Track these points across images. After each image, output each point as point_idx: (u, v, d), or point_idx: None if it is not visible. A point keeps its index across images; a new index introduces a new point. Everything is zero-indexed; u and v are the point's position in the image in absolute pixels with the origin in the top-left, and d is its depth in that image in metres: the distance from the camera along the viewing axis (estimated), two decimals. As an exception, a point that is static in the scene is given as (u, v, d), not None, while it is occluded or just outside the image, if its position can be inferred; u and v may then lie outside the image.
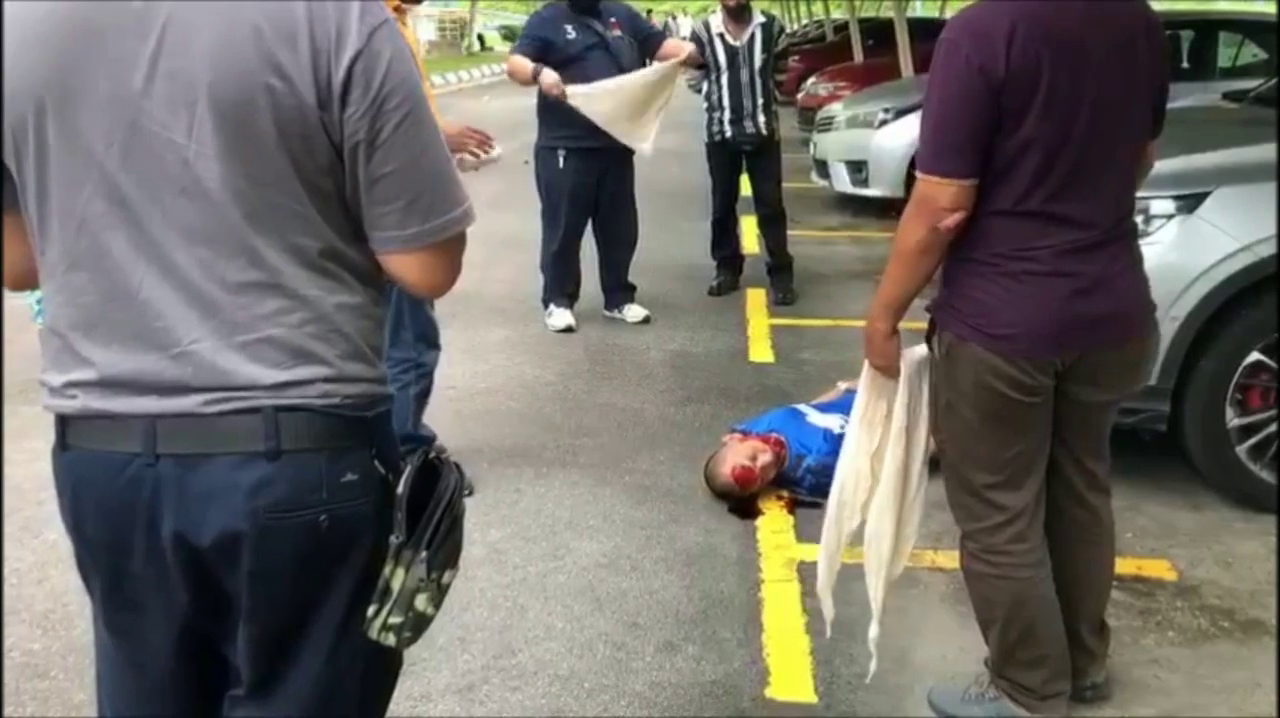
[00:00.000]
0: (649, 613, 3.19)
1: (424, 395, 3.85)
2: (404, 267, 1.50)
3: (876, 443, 2.57)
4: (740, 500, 3.84)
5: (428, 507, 1.52)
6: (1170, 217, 3.76)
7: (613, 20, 5.80)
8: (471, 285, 6.60)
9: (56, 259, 1.45)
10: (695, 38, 6.40)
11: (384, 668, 1.66)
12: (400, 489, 1.50)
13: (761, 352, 5.65)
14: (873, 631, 2.68)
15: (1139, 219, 3.84)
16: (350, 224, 1.47)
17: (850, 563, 3.46)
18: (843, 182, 9.20)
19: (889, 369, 2.51)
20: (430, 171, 1.46)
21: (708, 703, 2.77)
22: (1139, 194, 3.85)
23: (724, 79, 6.25)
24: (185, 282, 1.40)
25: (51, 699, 2.78)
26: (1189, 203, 3.71)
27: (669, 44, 6.00)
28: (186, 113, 1.36)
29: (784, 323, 6.13)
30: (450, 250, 1.52)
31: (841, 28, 20.06)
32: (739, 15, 6.26)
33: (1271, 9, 13.59)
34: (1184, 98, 5.86)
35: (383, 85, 1.38)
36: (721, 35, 6.26)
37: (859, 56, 15.44)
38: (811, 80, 14.44)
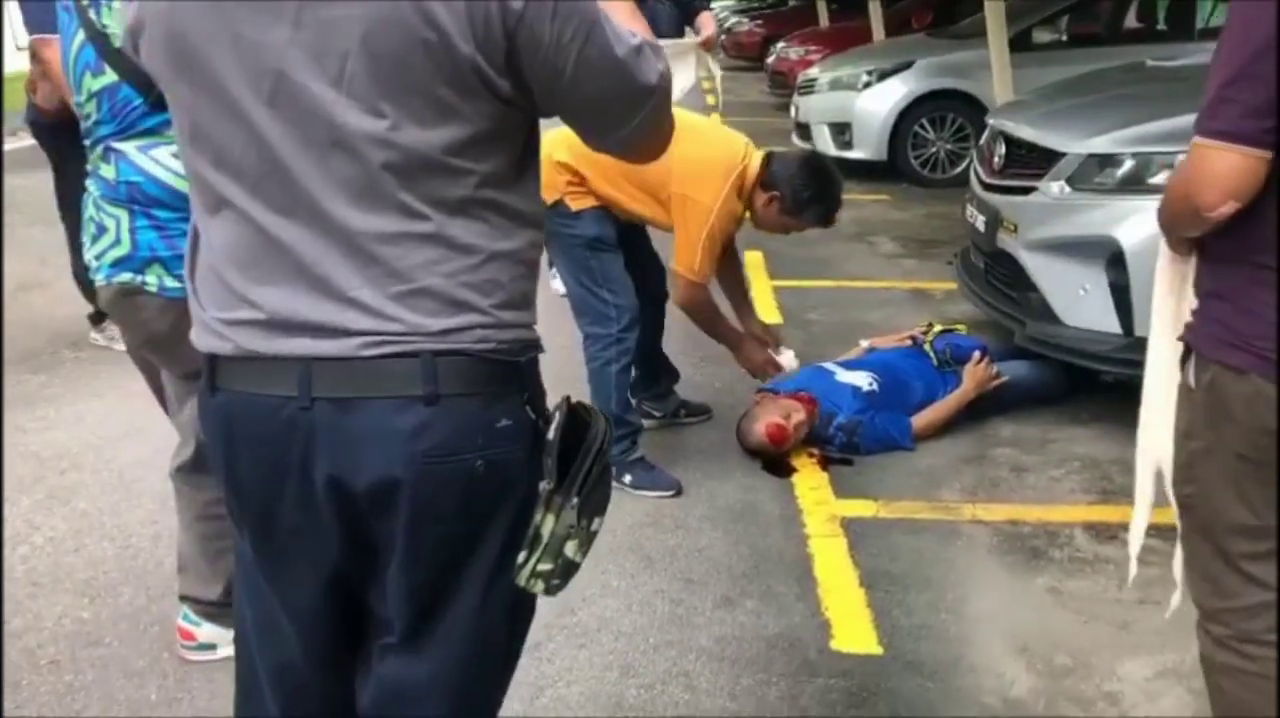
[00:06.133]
0: (701, 569, 3.20)
1: (626, 373, 3.68)
2: (628, 156, 1.57)
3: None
4: (773, 458, 3.86)
5: (576, 454, 1.50)
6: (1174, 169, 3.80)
7: None
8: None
9: (212, 200, 1.42)
10: None
11: (527, 615, 1.65)
12: (551, 435, 1.49)
13: (768, 313, 5.65)
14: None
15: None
16: (509, 169, 1.44)
17: (891, 518, 3.53)
18: (826, 144, 9.19)
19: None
20: (619, 76, 1.41)
21: (775, 656, 2.78)
22: (1145, 149, 3.95)
23: None
24: (341, 233, 1.36)
25: (111, 666, 2.73)
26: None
27: (703, 16, 5.71)
28: (337, 63, 1.31)
29: (786, 284, 6.14)
30: (657, 122, 1.50)
31: (805, -9, 20.04)
32: None
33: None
34: (1180, 58, 5.93)
35: (552, 24, 1.34)
36: None
37: (824, 20, 15.43)
38: (781, 44, 14.46)
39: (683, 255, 3.57)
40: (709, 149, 3.54)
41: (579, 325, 3.74)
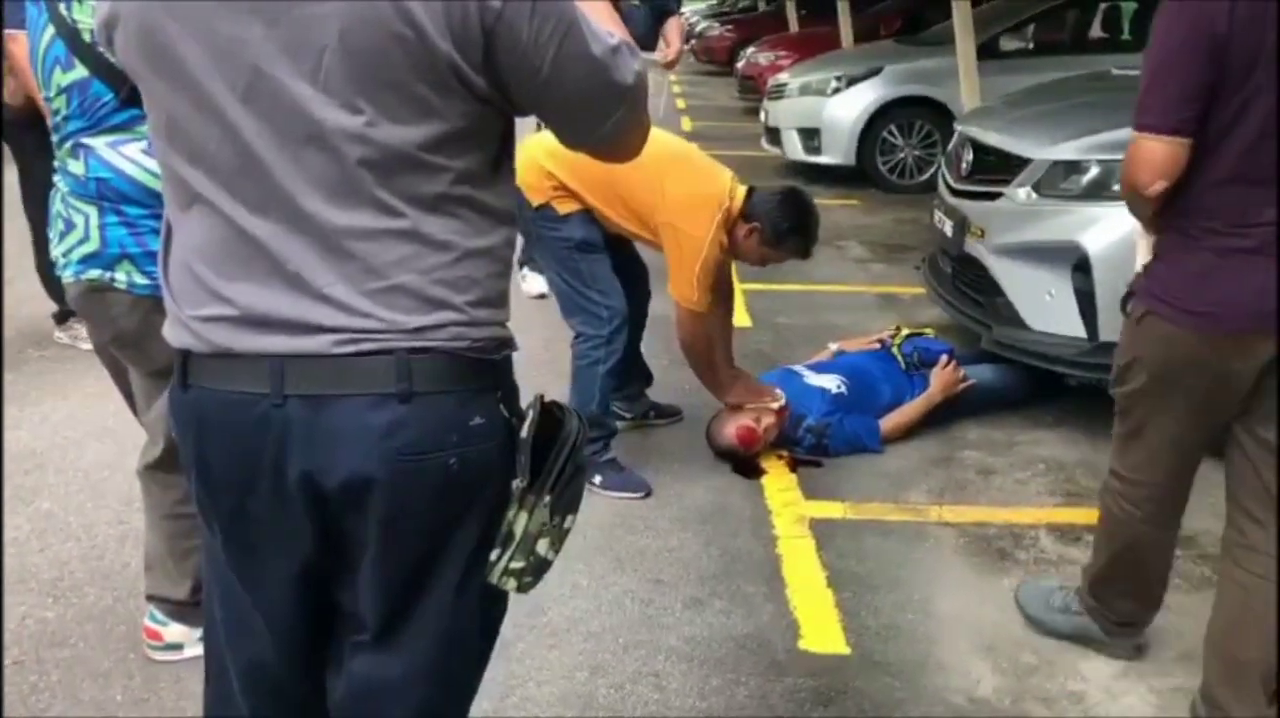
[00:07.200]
0: (671, 570, 3.21)
1: (612, 375, 3.69)
2: (604, 156, 1.57)
3: None
4: (743, 460, 3.88)
5: (549, 452, 1.51)
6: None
7: None
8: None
9: (185, 196, 1.41)
10: None
11: (499, 612, 1.66)
12: (524, 433, 1.49)
13: (738, 316, 5.66)
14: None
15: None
16: (484, 166, 1.44)
17: (860, 519, 3.55)
18: (795, 149, 9.25)
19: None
20: (596, 75, 1.41)
21: (744, 656, 2.80)
22: (1110, 156, 4.00)
23: None
24: (315, 230, 1.36)
25: (76, 667, 2.70)
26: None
27: (671, 23, 5.75)
28: (314, 60, 1.31)
29: (755, 288, 6.15)
30: (634, 122, 1.50)
31: (774, -3, 20.14)
32: None
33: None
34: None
35: (531, 23, 1.34)
36: None
37: (794, 26, 15.52)
38: (750, 49, 14.52)
39: (679, 286, 3.57)
40: (700, 183, 3.56)
41: (570, 324, 3.74)
